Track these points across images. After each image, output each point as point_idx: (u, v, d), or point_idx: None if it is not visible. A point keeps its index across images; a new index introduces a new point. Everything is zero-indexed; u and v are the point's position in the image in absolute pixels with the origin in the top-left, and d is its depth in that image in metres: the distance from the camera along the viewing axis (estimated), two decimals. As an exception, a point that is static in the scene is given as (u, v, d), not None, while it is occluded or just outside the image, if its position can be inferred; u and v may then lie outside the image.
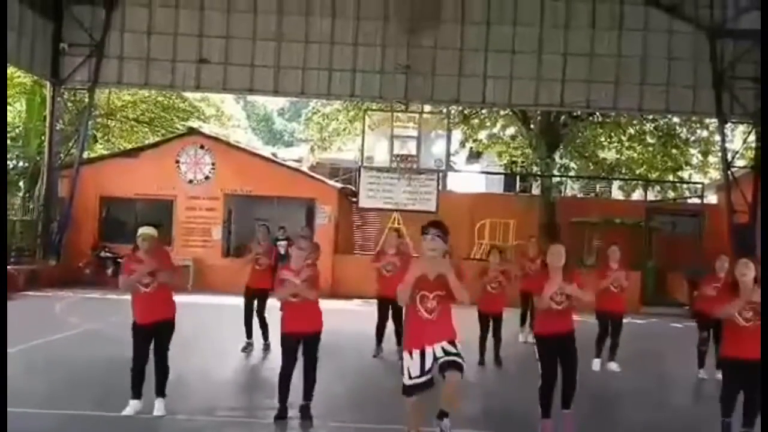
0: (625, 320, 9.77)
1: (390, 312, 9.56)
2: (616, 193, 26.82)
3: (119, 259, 16.23)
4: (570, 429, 6.24)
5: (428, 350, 5.14)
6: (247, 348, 9.82)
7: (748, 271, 6.10)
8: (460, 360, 5.09)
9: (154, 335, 6.39)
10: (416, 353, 5.17)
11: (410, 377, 5.18)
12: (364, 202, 18.86)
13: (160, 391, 6.44)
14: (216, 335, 11.25)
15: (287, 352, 6.39)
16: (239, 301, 9.97)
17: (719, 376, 6.94)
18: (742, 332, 6.08)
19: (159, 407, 6.38)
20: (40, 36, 17.37)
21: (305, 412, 6.38)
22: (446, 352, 5.10)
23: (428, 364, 5.14)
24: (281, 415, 6.37)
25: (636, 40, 17.85)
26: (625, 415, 7.51)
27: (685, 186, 24.03)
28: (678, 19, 17.71)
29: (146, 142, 24.19)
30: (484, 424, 6.63)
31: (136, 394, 6.38)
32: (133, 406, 6.35)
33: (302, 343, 6.35)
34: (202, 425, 6.37)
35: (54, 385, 7.29)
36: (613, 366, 9.54)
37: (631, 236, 19.45)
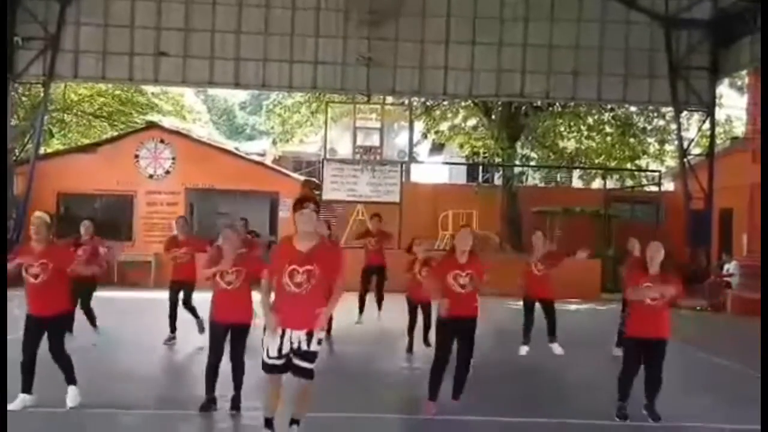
0: (585, 306, 9.88)
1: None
2: (576, 182, 27.22)
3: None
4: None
5: (287, 334, 5.10)
6: (170, 341, 9.59)
7: (657, 254, 6.45)
8: (310, 366, 5.12)
9: (47, 328, 6.17)
10: (277, 333, 5.12)
11: (268, 356, 5.17)
12: (327, 194, 18.85)
13: (71, 380, 6.22)
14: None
15: (214, 342, 6.33)
16: (200, 296, 9.79)
17: None
18: (648, 312, 6.38)
19: (72, 396, 6.18)
20: (-9, 29, 16.92)
21: (235, 402, 6.32)
22: (300, 352, 5.10)
23: (285, 348, 5.12)
24: (207, 406, 6.31)
25: (594, 31, 18.10)
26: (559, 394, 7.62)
27: (642, 174, 24.50)
28: (634, 10, 18.03)
29: (104, 136, 23.79)
30: (406, 409, 6.70)
31: (26, 387, 6.13)
32: (21, 400, 6.10)
33: (230, 333, 6.29)
34: (144, 418, 6.25)
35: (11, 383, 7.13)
36: (557, 349, 9.20)
37: (592, 224, 19.85)
